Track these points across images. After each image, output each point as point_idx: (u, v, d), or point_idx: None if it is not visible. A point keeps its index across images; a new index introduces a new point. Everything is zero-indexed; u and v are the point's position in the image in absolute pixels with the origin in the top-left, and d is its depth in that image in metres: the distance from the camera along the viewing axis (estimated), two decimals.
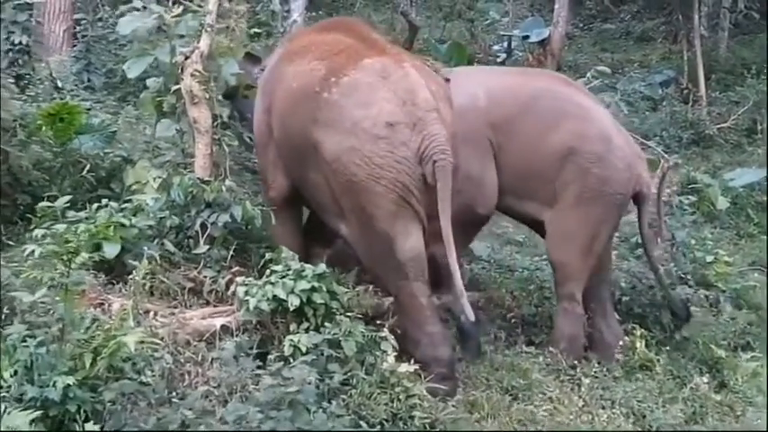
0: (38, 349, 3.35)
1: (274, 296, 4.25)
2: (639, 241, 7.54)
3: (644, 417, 4.96)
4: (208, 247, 5.07)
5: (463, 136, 5.08)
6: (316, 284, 4.26)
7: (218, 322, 4.43)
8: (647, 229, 6.01)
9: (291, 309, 4.22)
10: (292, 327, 4.25)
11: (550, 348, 5.50)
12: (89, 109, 7.33)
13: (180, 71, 5.43)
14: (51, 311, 3.62)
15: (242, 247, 5.36)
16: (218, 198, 5.19)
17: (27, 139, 5.83)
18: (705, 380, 5.69)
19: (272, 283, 4.29)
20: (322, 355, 4.01)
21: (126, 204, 5.08)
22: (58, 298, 3.62)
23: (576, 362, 5.43)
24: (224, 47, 5.66)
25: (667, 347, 6.00)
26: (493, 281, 6.63)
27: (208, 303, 4.84)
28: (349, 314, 4.41)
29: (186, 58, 5.41)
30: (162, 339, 4.14)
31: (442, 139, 4.58)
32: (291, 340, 4.07)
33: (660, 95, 13.88)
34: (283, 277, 4.35)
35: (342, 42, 5.06)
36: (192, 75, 5.39)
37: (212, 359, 4.14)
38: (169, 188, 5.26)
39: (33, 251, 3.83)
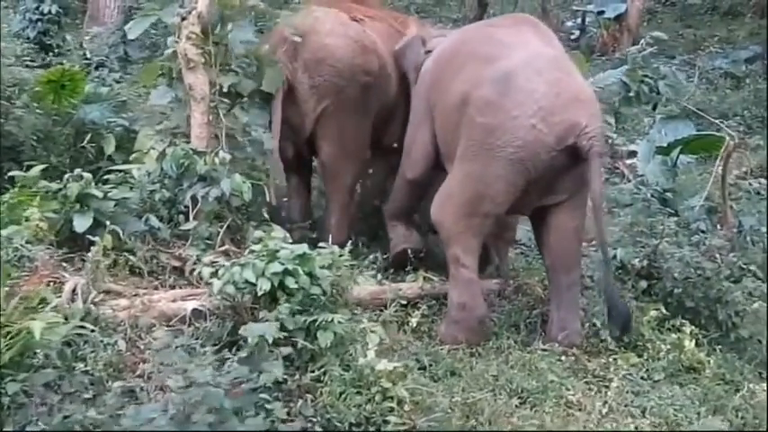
0: None
1: (244, 279, 3.78)
2: (699, 228, 6.92)
3: (679, 427, 4.27)
4: (196, 223, 4.67)
5: (414, 100, 5.52)
6: (290, 267, 3.78)
7: (189, 305, 4.00)
8: (597, 195, 4.77)
9: (260, 293, 3.75)
10: (263, 314, 3.77)
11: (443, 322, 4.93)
12: (119, 81, 7.06)
13: (177, 34, 5.03)
14: None
15: (238, 225, 4.94)
16: (210, 171, 4.78)
17: (25, 106, 5.52)
18: (765, 386, 4.93)
19: (241, 265, 3.83)
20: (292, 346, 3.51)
21: (109, 176, 4.71)
22: None
23: (472, 335, 4.78)
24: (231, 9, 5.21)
25: (722, 347, 5.27)
26: (527, 267, 6.00)
27: (191, 284, 4.43)
28: (333, 301, 3.91)
29: (183, 19, 5.01)
30: (120, 323, 3.73)
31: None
32: (268, 327, 3.60)
33: (744, 72, 12.83)
34: (259, 258, 3.88)
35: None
36: (188, 37, 4.98)
37: (176, 347, 3.70)
38: (162, 159, 4.90)
39: None
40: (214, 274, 3.89)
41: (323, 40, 5.45)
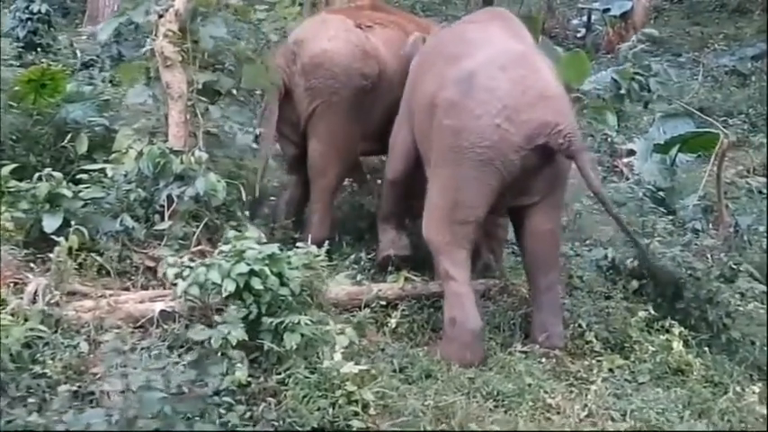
0: None
1: (209, 280, 3.71)
2: (694, 227, 6.79)
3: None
4: (170, 223, 4.60)
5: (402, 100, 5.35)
6: (256, 268, 3.69)
7: (157, 307, 3.93)
8: (599, 189, 4.76)
9: (225, 294, 3.67)
10: (226, 315, 3.68)
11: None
12: (105, 81, 7.00)
13: (154, 32, 4.98)
14: None
15: (216, 225, 4.87)
16: (187, 170, 4.72)
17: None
18: (755, 389, 4.79)
19: (206, 266, 3.76)
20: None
21: (83, 175, 4.65)
22: None
23: (468, 351, 4.52)
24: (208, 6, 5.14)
25: (712, 349, 5.16)
26: (515, 267, 5.88)
27: (163, 285, 4.36)
28: (302, 302, 3.83)
29: (160, 16, 4.95)
30: (84, 325, 3.67)
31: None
32: (221, 331, 3.52)
33: (750, 70, 12.65)
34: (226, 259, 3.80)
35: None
36: (164, 35, 4.92)
37: (141, 348, 3.64)
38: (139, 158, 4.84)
39: None
40: (179, 275, 3.81)
41: (323, 45, 5.52)
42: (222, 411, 3.12)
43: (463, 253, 4.71)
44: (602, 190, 4.83)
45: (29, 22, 7.82)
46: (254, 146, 5.58)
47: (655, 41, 13.84)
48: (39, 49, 7.64)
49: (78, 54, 7.97)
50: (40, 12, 7.81)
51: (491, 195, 4.62)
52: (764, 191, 7.78)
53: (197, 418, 2.89)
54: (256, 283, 3.67)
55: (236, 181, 4.95)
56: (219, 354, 3.45)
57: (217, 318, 3.59)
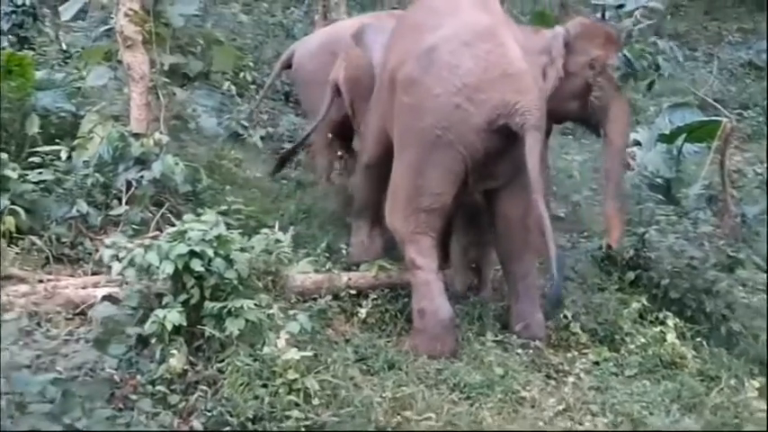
0: None
1: (151, 265, 3.46)
2: (698, 216, 6.44)
3: (643, 425, 3.84)
4: (126, 208, 4.39)
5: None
6: (197, 249, 3.44)
7: (100, 292, 3.70)
8: (535, 175, 4.19)
9: (162, 277, 3.42)
10: (167, 299, 3.45)
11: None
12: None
13: (115, 12, 4.79)
14: None
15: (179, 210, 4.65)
16: (149, 153, 4.51)
17: None
18: (756, 384, 4.45)
19: (144, 247, 3.52)
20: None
21: (34, 158, 4.46)
22: None
23: (437, 343, 4.20)
24: None
25: (711, 342, 4.84)
26: None
27: None
28: (248, 286, 3.58)
29: None
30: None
31: None
32: (157, 316, 3.29)
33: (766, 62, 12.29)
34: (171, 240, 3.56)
35: None
36: (125, 14, 4.72)
37: (81, 336, 3.41)
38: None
39: None
40: (114, 257, 3.58)
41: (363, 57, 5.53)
42: (134, 397, 2.88)
43: (429, 241, 4.40)
44: (539, 178, 4.27)
45: (13, 15, 7.68)
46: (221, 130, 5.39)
47: (671, 36, 13.53)
48: (24, 42, 7.47)
49: (64, 46, 7.79)
50: (24, 4, 7.66)
51: (455, 180, 4.30)
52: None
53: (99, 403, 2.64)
54: (196, 265, 3.42)
55: (218, 169, 4.72)
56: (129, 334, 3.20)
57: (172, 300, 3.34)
